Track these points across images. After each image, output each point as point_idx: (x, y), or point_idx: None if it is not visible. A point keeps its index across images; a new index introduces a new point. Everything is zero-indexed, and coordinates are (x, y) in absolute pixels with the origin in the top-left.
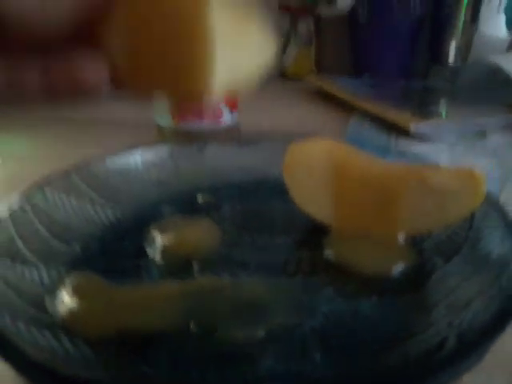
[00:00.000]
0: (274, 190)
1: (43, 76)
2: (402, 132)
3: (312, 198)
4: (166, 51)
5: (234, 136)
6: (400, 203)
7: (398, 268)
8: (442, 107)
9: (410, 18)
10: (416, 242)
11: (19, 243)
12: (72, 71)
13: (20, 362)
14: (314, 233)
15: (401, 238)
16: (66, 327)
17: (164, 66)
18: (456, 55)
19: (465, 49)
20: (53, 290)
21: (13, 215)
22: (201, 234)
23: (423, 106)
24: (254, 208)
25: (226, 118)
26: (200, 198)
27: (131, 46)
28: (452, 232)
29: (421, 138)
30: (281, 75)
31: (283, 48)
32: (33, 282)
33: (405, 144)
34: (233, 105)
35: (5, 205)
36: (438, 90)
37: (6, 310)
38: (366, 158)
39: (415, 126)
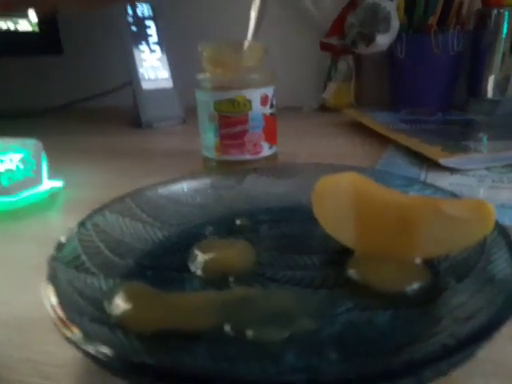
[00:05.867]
0: (305, 215)
1: None
2: (432, 165)
3: (337, 223)
4: None
5: (271, 165)
6: (416, 229)
7: (412, 286)
8: (474, 142)
9: (448, 53)
10: (433, 264)
11: (83, 257)
12: None
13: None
14: (339, 254)
15: (417, 260)
16: (120, 324)
17: None
18: (494, 89)
19: (503, 83)
20: (110, 296)
21: (78, 234)
22: (237, 253)
23: (455, 141)
24: (287, 231)
25: (266, 152)
26: (238, 222)
27: None
28: (467, 255)
29: (451, 170)
30: (321, 108)
31: (324, 83)
32: (94, 288)
33: (435, 176)
34: (272, 140)
35: (71, 225)
36: (475, 123)
37: (74, 308)
38: (386, 190)
39: (444, 160)
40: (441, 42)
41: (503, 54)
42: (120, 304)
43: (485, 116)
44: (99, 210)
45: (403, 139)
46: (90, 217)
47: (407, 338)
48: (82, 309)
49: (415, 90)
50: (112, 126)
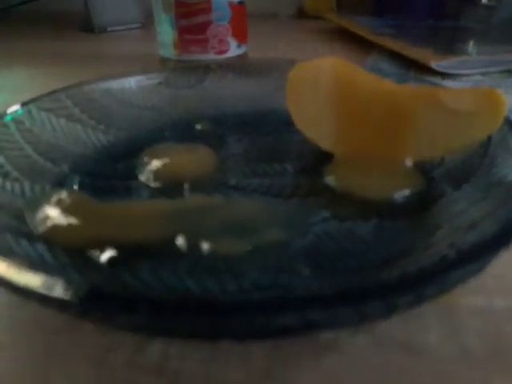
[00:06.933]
0: (279, 121)
1: None
2: (421, 70)
3: (315, 118)
4: None
5: (239, 61)
6: (409, 125)
7: (402, 193)
8: (469, 45)
9: None
10: (426, 170)
11: (1, 159)
12: None
13: None
14: (316, 161)
15: (409, 163)
16: (45, 237)
17: None
18: None
19: None
20: (35, 204)
21: None
22: (195, 158)
23: (448, 44)
24: (256, 137)
25: (233, 51)
26: (198, 127)
27: None
28: (466, 158)
29: (443, 74)
30: (299, 13)
31: None
32: (14, 194)
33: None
34: (241, 37)
35: None
36: (468, 29)
37: None
38: (375, 78)
39: (436, 63)
40: None
41: None
42: (46, 212)
43: (479, 23)
44: (24, 106)
45: (389, 43)
46: (10, 113)
47: (396, 250)
48: None
49: None
50: (59, 31)
